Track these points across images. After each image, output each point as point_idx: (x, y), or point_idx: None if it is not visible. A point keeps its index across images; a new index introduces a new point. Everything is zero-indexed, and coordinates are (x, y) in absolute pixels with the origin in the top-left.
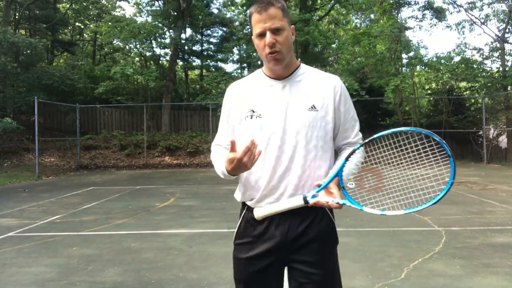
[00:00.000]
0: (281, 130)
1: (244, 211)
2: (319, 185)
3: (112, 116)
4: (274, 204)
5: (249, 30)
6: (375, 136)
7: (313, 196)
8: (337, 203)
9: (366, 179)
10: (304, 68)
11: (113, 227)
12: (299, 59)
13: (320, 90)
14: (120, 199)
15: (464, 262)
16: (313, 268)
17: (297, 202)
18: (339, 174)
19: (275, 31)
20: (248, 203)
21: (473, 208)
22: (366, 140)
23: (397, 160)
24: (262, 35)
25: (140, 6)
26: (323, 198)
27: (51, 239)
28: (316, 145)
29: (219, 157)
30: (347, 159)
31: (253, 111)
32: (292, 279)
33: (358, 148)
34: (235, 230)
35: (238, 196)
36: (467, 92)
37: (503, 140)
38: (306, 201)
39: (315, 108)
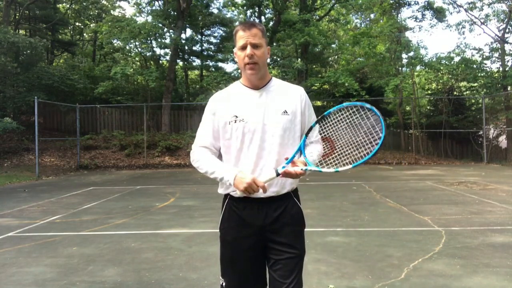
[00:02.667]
0: (261, 131)
1: (227, 201)
2: (287, 159)
3: (112, 116)
4: None
5: None
6: (324, 113)
7: (283, 168)
8: (301, 169)
9: (323, 149)
10: (275, 80)
11: (113, 227)
12: (299, 59)
13: (290, 98)
14: (120, 199)
15: (464, 262)
16: (286, 247)
17: (271, 175)
18: (301, 148)
19: (255, 46)
20: (232, 193)
21: (473, 208)
22: (319, 117)
23: (344, 129)
24: (243, 47)
25: (140, 6)
26: (291, 168)
27: (51, 239)
28: (287, 142)
29: (212, 160)
30: (306, 134)
31: (237, 116)
32: (269, 257)
33: (314, 125)
34: (220, 217)
35: (223, 190)
36: (467, 92)
37: (503, 140)
38: (277, 173)
39: (286, 112)
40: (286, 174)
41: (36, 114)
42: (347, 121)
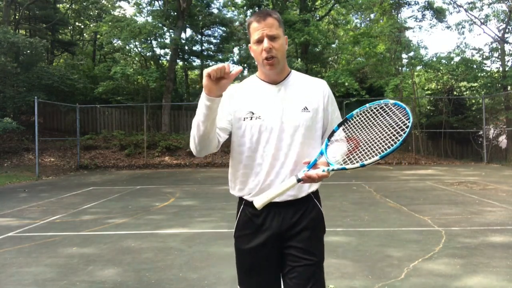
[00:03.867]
0: (278, 130)
1: (242, 206)
2: (307, 163)
3: (112, 116)
4: (270, 190)
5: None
6: (346, 116)
7: (303, 172)
8: (323, 170)
9: (346, 147)
10: (295, 74)
11: (113, 227)
12: (299, 59)
13: (311, 93)
14: (120, 199)
15: (464, 262)
16: (304, 254)
17: (291, 182)
18: (323, 152)
19: (272, 38)
20: (246, 197)
21: (473, 208)
22: (341, 121)
23: (368, 128)
24: (260, 41)
25: (140, 6)
26: (312, 171)
27: (51, 239)
28: (308, 142)
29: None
30: (329, 138)
31: (253, 113)
32: (286, 263)
33: (336, 129)
34: (235, 223)
35: (236, 192)
36: (467, 92)
37: (503, 140)
38: (298, 179)
39: (307, 109)
40: (308, 179)
41: (36, 114)
42: (371, 120)
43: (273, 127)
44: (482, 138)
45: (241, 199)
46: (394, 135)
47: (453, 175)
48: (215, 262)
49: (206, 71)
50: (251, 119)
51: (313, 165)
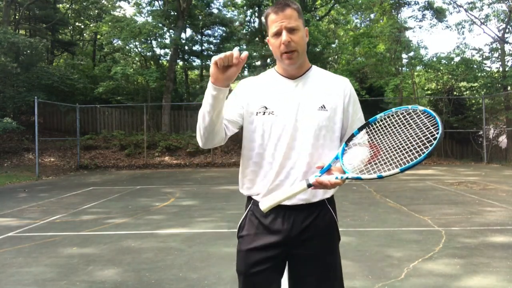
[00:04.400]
0: (292, 128)
1: (250, 205)
2: (320, 168)
3: (112, 116)
4: (278, 192)
5: (249, 30)
6: (369, 120)
7: (315, 177)
8: (336, 178)
9: (369, 152)
10: (315, 69)
11: (113, 227)
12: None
13: (330, 91)
14: (120, 199)
15: (464, 262)
16: (314, 262)
17: (301, 186)
18: (339, 156)
19: (291, 30)
20: (254, 197)
21: (473, 208)
22: (363, 124)
23: (392, 134)
24: (278, 34)
25: (140, 6)
26: (324, 177)
27: (51, 239)
28: (323, 143)
29: None
30: (346, 143)
31: (266, 108)
32: (293, 271)
33: (356, 133)
34: (239, 222)
35: (244, 190)
36: (467, 92)
37: (503, 140)
38: (309, 184)
39: (324, 108)
40: (319, 185)
41: (36, 114)
42: (396, 127)
43: (286, 124)
44: (482, 138)
45: (249, 198)
46: (419, 147)
47: (453, 175)
48: (215, 262)
49: (213, 59)
50: (263, 114)
51: (327, 171)
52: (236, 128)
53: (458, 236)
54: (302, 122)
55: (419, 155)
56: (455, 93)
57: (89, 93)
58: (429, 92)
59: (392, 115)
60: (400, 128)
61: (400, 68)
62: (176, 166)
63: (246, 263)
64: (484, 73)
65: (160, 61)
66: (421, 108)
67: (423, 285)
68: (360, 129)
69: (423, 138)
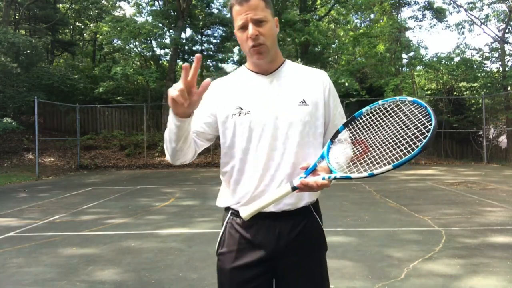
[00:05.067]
0: (271, 127)
1: (228, 217)
2: (305, 168)
3: (112, 116)
4: (260, 198)
5: None
6: (355, 114)
7: (300, 179)
8: (323, 178)
9: (353, 152)
10: (289, 63)
11: (113, 227)
12: (299, 59)
13: (309, 84)
14: (120, 199)
15: (464, 262)
16: (304, 276)
17: (285, 189)
18: (324, 155)
19: (258, 23)
20: (234, 206)
21: (473, 208)
22: (348, 120)
23: (380, 128)
24: (244, 27)
25: (140, 6)
26: (310, 178)
27: (51, 239)
28: (307, 141)
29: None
30: (331, 140)
31: (241, 108)
32: (282, 286)
33: (341, 129)
34: (218, 238)
35: (222, 201)
36: (467, 92)
37: (503, 140)
38: (293, 187)
39: (305, 102)
40: (304, 187)
41: (36, 114)
42: (384, 120)
43: (265, 123)
44: (482, 138)
45: (227, 209)
46: (412, 140)
47: (453, 175)
48: (215, 262)
49: (170, 95)
50: (239, 115)
51: (312, 171)
52: (206, 140)
53: (458, 236)
54: (283, 119)
55: (413, 150)
56: (455, 93)
57: (89, 93)
58: (429, 92)
59: (379, 108)
60: (389, 122)
61: (400, 68)
62: (176, 166)
63: (232, 283)
64: (484, 73)
65: (160, 61)
66: (410, 98)
67: (423, 285)
68: (345, 125)
69: (415, 131)
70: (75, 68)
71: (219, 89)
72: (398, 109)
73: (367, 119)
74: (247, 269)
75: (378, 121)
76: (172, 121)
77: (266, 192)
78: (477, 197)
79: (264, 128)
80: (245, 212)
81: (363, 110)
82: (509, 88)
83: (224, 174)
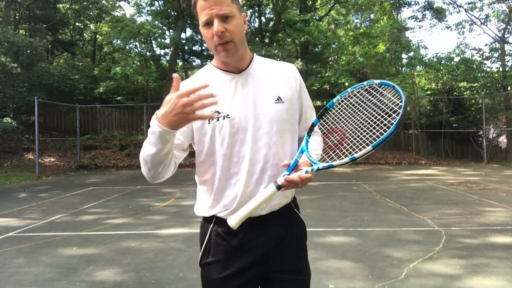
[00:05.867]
0: (252, 128)
1: (211, 226)
2: (287, 165)
3: (112, 116)
4: (247, 204)
5: (249, 30)
6: (327, 106)
7: (284, 176)
8: (306, 172)
9: (330, 141)
10: (258, 59)
11: (113, 227)
12: (299, 59)
13: (282, 80)
14: (120, 199)
15: (464, 262)
16: (294, 274)
17: (270, 190)
18: (304, 149)
19: (224, 18)
20: (220, 214)
21: (473, 208)
22: (321, 112)
23: (353, 114)
24: (209, 23)
25: (140, 6)
26: (293, 174)
27: (51, 239)
28: (287, 139)
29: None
30: (308, 134)
31: (218, 112)
32: (271, 283)
33: (316, 122)
34: (201, 250)
35: (204, 210)
36: (467, 92)
37: (503, 140)
38: (278, 186)
39: (281, 99)
40: (289, 184)
41: (36, 114)
42: (356, 106)
43: (246, 126)
44: (482, 138)
45: (209, 218)
46: (386, 119)
47: (453, 175)
48: None
49: (183, 101)
50: (217, 120)
51: (294, 167)
52: (182, 151)
53: (458, 236)
54: (263, 119)
55: (388, 128)
56: (455, 93)
57: (89, 93)
58: (429, 92)
59: (349, 96)
60: (361, 106)
61: (400, 68)
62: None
63: None
64: (484, 73)
65: (160, 61)
66: (377, 81)
67: (423, 285)
68: (319, 117)
69: (388, 110)
70: (75, 68)
71: None
72: (367, 93)
73: (339, 108)
74: (235, 277)
75: (350, 108)
76: (157, 135)
77: (252, 196)
78: (477, 197)
79: (246, 132)
80: (233, 221)
81: (334, 100)
82: (509, 88)
83: (204, 183)
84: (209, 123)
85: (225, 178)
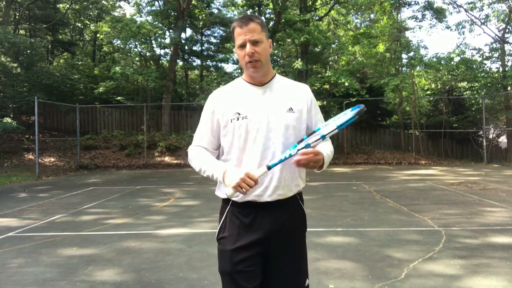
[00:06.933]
0: (265, 129)
1: (228, 207)
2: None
3: (112, 116)
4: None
5: None
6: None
7: (290, 155)
8: (305, 146)
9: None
10: (279, 77)
11: (113, 227)
12: (299, 59)
13: (295, 95)
14: (120, 199)
15: (464, 262)
16: (291, 254)
17: (262, 170)
18: (297, 144)
19: (254, 43)
20: (234, 199)
21: (473, 208)
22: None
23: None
24: (243, 46)
25: (140, 6)
26: (297, 156)
27: (51, 239)
28: (292, 142)
29: (206, 158)
30: (307, 136)
31: (239, 114)
32: (271, 265)
33: (318, 130)
34: (218, 226)
35: (223, 194)
36: (467, 92)
37: (503, 140)
38: (268, 167)
39: (292, 110)
40: (302, 158)
41: (36, 114)
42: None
43: (259, 127)
44: (482, 138)
45: (226, 201)
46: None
47: (453, 175)
48: (215, 262)
49: (241, 183)
50: (237, 119)
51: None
52: (215, 150)
53: (458, 236)
54: (274, 123)
55: (347, 116)
56: (455, 93)
57: (89, 93)
58: (429, 92)
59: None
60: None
61: (400, 68)
62: (176, 166)
63: (232, 262)
64: (484, 73)
65: (160, 61)
66: (353, 109)
67: (423, 285)
68: (308, 135)
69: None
70: (75, 68)
71: (220, 98)
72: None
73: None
74: (245, 250)
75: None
76: (216, 180)
77: (261, 184)
78: (477, 197)
79: (259, 131)
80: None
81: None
82: (509, 88)
83: None
84: (231, 122)
85: (239, 167)
